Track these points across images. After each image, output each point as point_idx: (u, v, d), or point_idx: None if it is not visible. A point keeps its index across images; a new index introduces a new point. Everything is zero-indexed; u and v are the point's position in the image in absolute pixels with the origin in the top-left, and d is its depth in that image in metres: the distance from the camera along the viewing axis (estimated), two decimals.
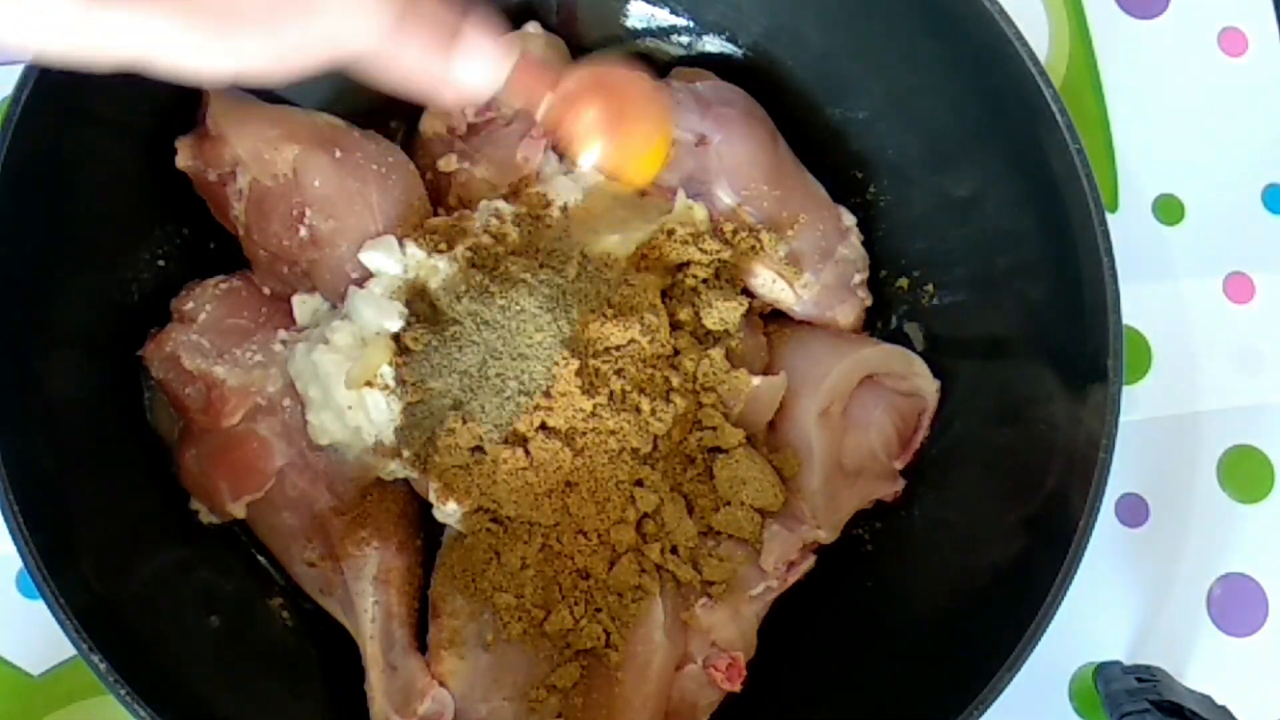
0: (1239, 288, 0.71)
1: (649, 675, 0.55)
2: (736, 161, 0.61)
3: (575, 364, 0.54)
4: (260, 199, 0.58)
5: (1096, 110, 0.73)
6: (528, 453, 0.55)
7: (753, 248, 0.61)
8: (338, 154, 0.58)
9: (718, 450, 0.58)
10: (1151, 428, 0.68)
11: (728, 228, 0.61)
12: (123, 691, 0.48)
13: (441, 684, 0.55)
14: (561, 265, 0.58)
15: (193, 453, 0.58)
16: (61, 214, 0.55)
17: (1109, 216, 0.55)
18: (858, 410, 0.61)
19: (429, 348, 0.56)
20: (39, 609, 0.49)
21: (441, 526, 0.58)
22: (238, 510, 0.57)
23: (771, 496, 0.57)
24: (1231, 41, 0.75)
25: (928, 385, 0.61)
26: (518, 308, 0.56)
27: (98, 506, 0.54)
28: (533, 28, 0.64)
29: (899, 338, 0.64)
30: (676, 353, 0.57)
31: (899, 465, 0.62)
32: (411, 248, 0.58)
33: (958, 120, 0.60)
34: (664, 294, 0.59)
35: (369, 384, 0.56)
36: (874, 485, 0.61)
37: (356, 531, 0.57)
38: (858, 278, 0.63)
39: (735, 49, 0.67)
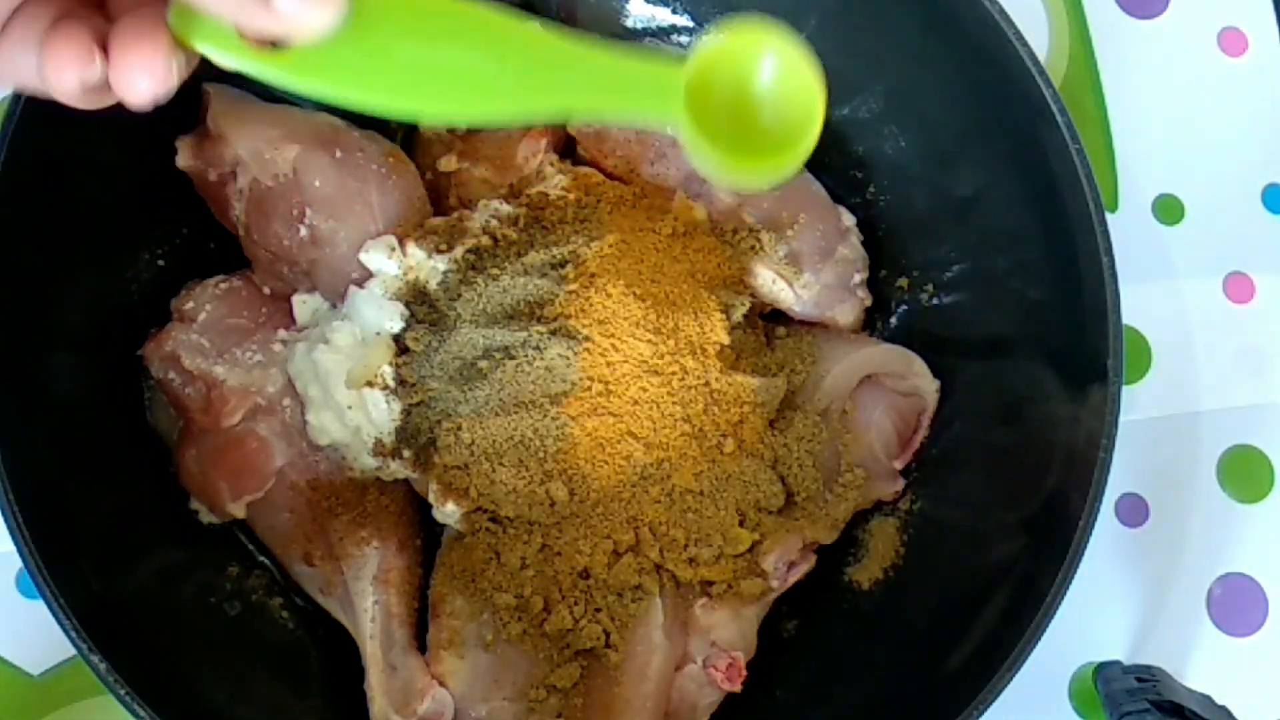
0: (1239, 288, 0.71)
1: (648, 675, 0.55)
2: None
3: (576, 364, 0.54)
4: (260, 199, 0.58)
5: (1096, 110, 0.73)
6: (528, 452, 0.55)
7: (752, 248, 0.61)
8: (338, 154, 0.58)
9: (717, 451, 0.57)
10: (1151, 428, 0.68)
11: (727, 228, 0.61)
12: (123, 691, 0.48)
13: (441, 684, 0.55)
14: (561, 266, 0.57)
15: (193, 453, 0.58)
16: (61, 214, 0.55)
17: (1109, 216, 0.54)
18: (858, 410, 0.61)
19: (429, 348, 0.56)
20: (39, 609, 0.48)
21: (442, 526, 0.58)
22: (238, 510, 0.57)
23: (771, 496, 0.57)
24: (1231, 41, 0.75)
25: (928, 385, 0.61)
26: (518, 309, 0.56)
27: (98, 506, 0.54)
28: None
29: (899, 338, 0.64)
30: (677, 355, 0.57)
31: (899, 465, 0.62)
32: (412, 248, 0.58)
33: (958, 120, 0.60)
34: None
35: (369, 384, 0.56)
36: (874, 485, 0.61)
37: (356, 531, 0.57)
38: (858, 278, 0.63)
39: None
